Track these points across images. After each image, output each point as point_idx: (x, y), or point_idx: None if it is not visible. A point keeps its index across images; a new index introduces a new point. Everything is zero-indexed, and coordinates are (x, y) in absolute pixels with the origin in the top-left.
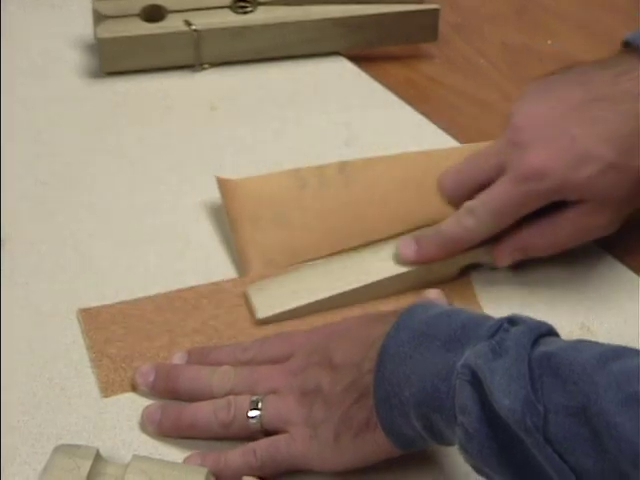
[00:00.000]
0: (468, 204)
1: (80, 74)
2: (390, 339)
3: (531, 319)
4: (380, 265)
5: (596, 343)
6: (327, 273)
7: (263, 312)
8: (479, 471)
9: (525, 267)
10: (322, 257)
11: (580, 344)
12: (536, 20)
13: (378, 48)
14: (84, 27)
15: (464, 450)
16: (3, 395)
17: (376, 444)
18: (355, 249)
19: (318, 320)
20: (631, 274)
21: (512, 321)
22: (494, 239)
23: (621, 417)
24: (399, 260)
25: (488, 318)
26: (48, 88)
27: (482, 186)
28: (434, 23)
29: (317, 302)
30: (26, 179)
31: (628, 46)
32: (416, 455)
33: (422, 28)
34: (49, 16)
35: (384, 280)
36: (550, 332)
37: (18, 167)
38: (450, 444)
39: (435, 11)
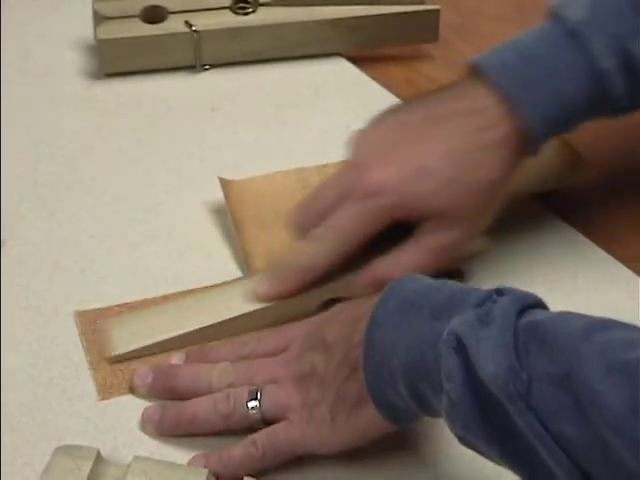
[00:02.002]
0: (313, 232)
1: (80, 75)
2: (379, 309)
3: (519, 290)
4: (240, 300)
5: (583, 315)
6: (187, 309)
7: (120, 348)
8: (464, 441)
9: (525, 267)
10: (176, 292)
11: (567, 314)
12: (536, 20)
13: (378, 49)
14: (84, 28)
15: (449, 418)
16: (3, 396)
17: (370, 419)
18: (217, 285)
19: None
20: (631, 274)
21: (500, 291)
22: (350, 272)
23: (603, 385)
24: (257, 297)
25: (476, 289)
26: (48, 89)
27: (327, 214)
28: (434, 24)
29: (173, 338)
30: (26, 179)
31: (472, 68)
32: (417, 454)
33: (422, 29)
34: (49, 17)
35: (243, 316)
36: (538, 304)
37: (18, 167)
38: (438, 415)
39: (435, 12)
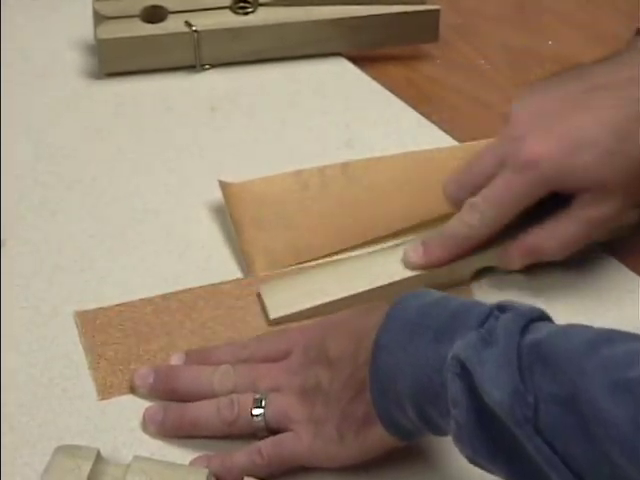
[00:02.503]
0: (470, 201)
1: (80, 75)
2: (383, 330)
3: (521, 304)
4: (392, 268)
5: (586, 327)
6: (339, 275)
7: (276, 312)
8: (473, 462)
9: (525, 269)
10: (330, 258)
11: (571, 329)
12: (537, 21)
13: (379, 49)
14: (84, 28)
15: (457, 442)
16: (3, 396)
17: (378, 437)
18: (366, 252)
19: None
20: (632, 275)
21: (502, 307)
22: (504, 242)
23: (608, 403)
24: (407, 265)
25: (478, 305)
26: (48, 89)
27: (484, 185)
28: (435, 24)
29: (329, 303)
30: (26, 180)
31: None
32: (419, 454)
33: (422, 29)
34: (49, 17)
35: (395, 283)
36: (541, 317)
37: (18, 167)
38: (446, 435)
39: (436, 12)
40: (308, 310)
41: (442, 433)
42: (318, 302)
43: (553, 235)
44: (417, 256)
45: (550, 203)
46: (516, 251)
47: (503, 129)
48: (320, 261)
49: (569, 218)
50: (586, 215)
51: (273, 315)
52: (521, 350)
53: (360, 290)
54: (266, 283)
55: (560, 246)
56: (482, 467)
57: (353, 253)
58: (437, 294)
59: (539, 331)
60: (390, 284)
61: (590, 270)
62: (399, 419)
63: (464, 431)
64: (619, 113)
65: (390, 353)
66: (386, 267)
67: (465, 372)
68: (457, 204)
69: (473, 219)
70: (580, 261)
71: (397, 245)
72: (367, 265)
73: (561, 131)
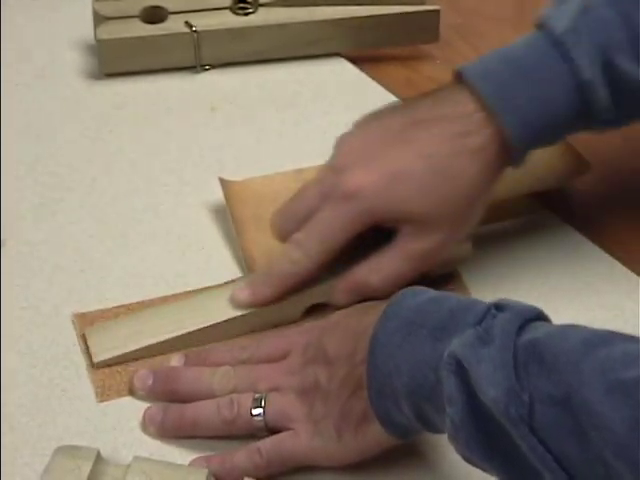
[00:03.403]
0: (294, 236)
1: (80, 75)
2: (379, 328)
3: (519, 303)
4: (220, 307)
5: (584, 328)
6: (166, 315)
7: (100, 356)
8: (468, 460)
9: (525, 268)
10: (161, 297)
11: (567, 329)
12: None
13: (379, 49)
14: (84, 28)
15: (452, 440)
16: (3, 396)
17: (376, 435)
18: (199, 291)
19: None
20: (631, 274)
21: (499, 306)
22: (333, 278)
23: (603, 406)
24: (235, 304)
25: (476, 303)
26: (48, 89)
27: (308, 218)
28: (435, 24)
29: (155, 345)
30: (26, 180)
31: (457, 75)
32: (417, 454)
33: (423, 29)
34: (49, 17)
35: (225, 322)
36: (539, 316)
37: (18, 168)
38: (442, 432)
39: (436, 12)
40: (133, 352)
41: (438, 431)
42: (143, 344)
43: (377, 270)
44: (244, 295)
45: (378, 239)
46: (342, 287)
47: (326, 162)
48: (152, 299)
49: (392, 252)
50: (409, 249)
51: (97, 359)
52: (517, 349)
53: (187, 331)
54: (92, 326)
55: (384, 281)
56: (477, 465)
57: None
58: (434, 292)
59: (536, 331)
60: (218, 323)
61: (590, 270)
62: (396, 417)
63: (459, 429)
64: (435, 147)
65: (387, 351)
66: (215, 306)
67: (461, 370)
68: (284, 237)
69: (297, 255)
70: (580, 262)
71: (228, 283)
72: (195, 305)
73: (381, 164)
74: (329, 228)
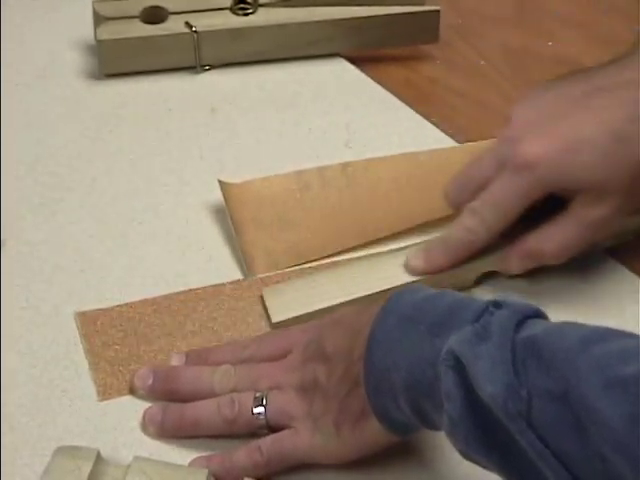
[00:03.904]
0: (470, 205)
1: (80, 76)
2: (378, 324)
3: (517, 301)
4: (393, 273)
5: (581, 325)
6: (340, 279)
7: (278, 316)
8: (466, 456)
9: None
10: (331, 259)
11: (565, 326)
12: (537, 21)
13: (379, 49)
14: (84, 28)
15: (450, 436)
16: (3, 396)
17: (374, 432)
18: (367, 254)
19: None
20: (632, 276)
21: (498, 304)
22: (505, 246)
23: (601, 402)
24: (409, 271)
25: (474, 301)
26: (48, 89)
27: (483, 187)
28: (435, 24)
29: (331, 308)
30: (26, 180)
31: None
32: (417, 452)
33: (423, 29)
34: (49, 17)
35: (397, 288)
36: (537, 314)
37: (18, 168)
38: (440, 429)
39: (436, 12)
40: (309, 314)
41: (436, 427)
42: (320, 306)
43: (552, 238)
44: (419, 262)
45: (551, 206)
46: (516, 255)
47: (502, 131)
48: (322, 263)
49: (567, 220)
50: (584, 217)
51: (275, 319)
52: (515, 346)
53: (362, 294)
54: (268, 286)
55: (559, 249)
56: (475, 462)
57: (354, 255)
58: (432, 290)
59: (534, 327)
60: (392, 289)
61: (590, 271)
62: (393, 413)
63: (457, 425)
64: (618, 114)
65: (385, 347)
66: (388, 272)
67: (459, 366)
68: (458, 208)
69: (473, 223)
70: (580, 262)
71: (399, 249)
72: (369, 270)
73: (559, 131)
74: (505, 198)
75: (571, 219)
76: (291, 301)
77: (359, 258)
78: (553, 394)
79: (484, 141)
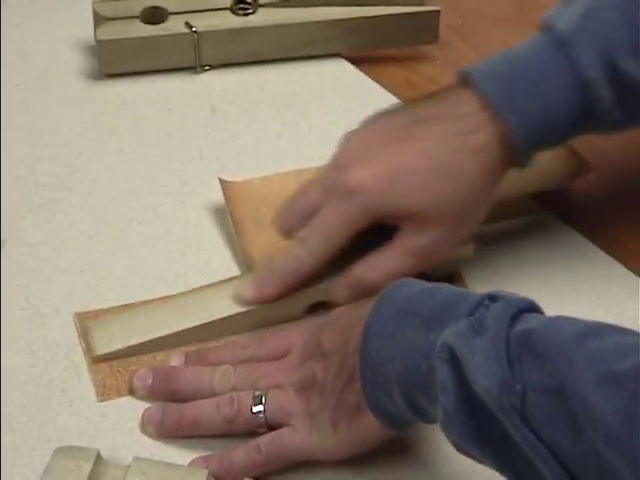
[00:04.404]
0: (297, 234)
1: (80, 75)
2: (373, 317)
3: (512, 294)
4: (222, 303)
5: (577, 319)
6: (169, 310)
7: (101, 349)
8: (461, 450)
9: (524, 268)
10: (162, 296)
11: (560, 320)
12: (536, 21)
13: (378, 50)
14: (84, 29)
15: (444, 429)
16: (3, 396)
17: (370, 426)
18: (205, 286)
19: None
20: (631, 275)
21: (493, 297)
22: (336, 275)
23: (595, 397)
24: (238, 300)
25: (469, 294)
26: (48, 90)
27: (311, 215)
28: (434, 25)
29: (157, 339)
30: (26, 180)
31: (461, 76)
32: (416, 455)
33: (422, 30)
34: (49, 18)
35: (225, 318)
36: (532, 307)
37: (18, 168)
38: (434, 422)
39: (435, 13)
40: (134, 347)
41: (431, 420)
42: (145, 339)
43: (375, 266)
44: (248, 291)
45: (382, 237)
46: (341, 283)
47: (330, 159)
48: (153, 299)
49: (391, 249)
50: (407, 245)
51: (99, 352)
52: (510, 339)
53: (187, 327)
54: (94, 320)
55: (382, 277)
56: (469, 455)
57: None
58: (428, 283)
59: (529, 321)
60: (220, 320)
61: (590, 270)
62: (388, 407)
63: (451, 418)
64: (439, 145)
65: (379, 340)
66: (216, 302)
67: (454, 359)
68: (287, 235)
69: (300, 252)
70: (580, 262)
71: (229, 279)
72: (197, 301)
73: (382, 160)
74: (332, 225)
75: (395, 248)
76: (117, 333)
77: (191, 290)
78: (547, 388)
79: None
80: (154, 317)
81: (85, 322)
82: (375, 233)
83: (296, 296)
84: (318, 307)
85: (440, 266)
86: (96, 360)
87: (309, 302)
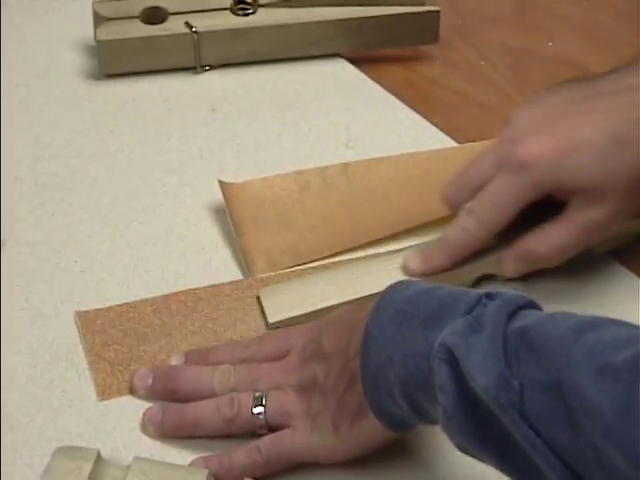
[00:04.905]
0: (467, 205)
1: (80, 75)
2: (373, 320)
3: (510, 292)
4: (391, 274)
5: (574, 314)
6: (338, 280)
7: (274, 316)
8: (462, 449)
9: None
10: (330, 260)
11: (557, 316)
12: (536, 22)
13: (379, 50)
14: (84, 29)
15: (445, 429)
16: (3, 396)
17: (372, 428)
18: (366, 254)
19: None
20: (631, 275)
21: (490, 295)
22: (503, 248)
23: (593, 390)
24: (407, 272)
25: (467, 293)
26: (48, 90)
27: (481, 187)
28: (435, 25)
29: (327, 308)
30: (26, 181)
31: None
32: (417, 457)
33: (422, 30)
34: (49, 18)
35: None
36: (529, 304)
37: (18, 169)
38: (436, 423)
39: (435, 13)
40: (306, 315)
41: (432, 421)
42: (316, 307)
43: (546, 240)
44: (417, 263)
45: (549, 209)
46: (511, 257)
47: (501, 132)
48: (319, 264)
49: (563, 223)
50: (580, 219)
51: (272, 319)
52: (507, 336)
53: (359, 296)
54: (265, 287)
55: (554, 251)
56: (471, 454)
57: (353, 255)
58: (426, 284)
59: (526, 318)
60: None
61: (590, 271)
62: (390, 408)
63: (451, 418)
64: (617, 117)
65: (380, 342)
66: (386, 273)
67: (452, 358)
68: (456, 208)
69: (470, 224)
70: (580, 262)
71: (397, 251)
72: (367, 271)
73: (557, 133)
74: (502, 198)
75: (567, 221)
76: (288, 302)
77: (357, 259)
78: (545, 384)
79: (484, 141)
80: (324, 286)
81: (85, 325)
82: (545, 205)
83: (464, 268)
84: (485, 280)
85: (610, 242)
86: (270, 327)
87: (477, 274)
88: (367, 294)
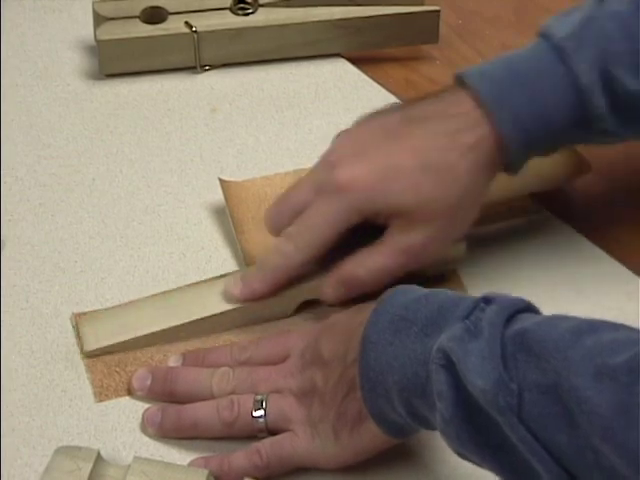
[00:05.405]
0: (285, 230)
1: (80, 76)
2: (370, 326)
3: (507, 296)
4: (211, 301)
5: (573, 317)
6: (159, 307)
7: (90, 345)
8: (461, 455)
9: (524, 268)
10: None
11: (555, 319)
12: (536, 22)
13: (379, 50)
14: (84, 29)
15: (443, 435)
16: (3, 396)
17: (372, 435)
18: (192, 284)
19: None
20: (631, 275)
21: (488, 299)
22: (325, 273)
23: (591, 391)
24: (227, 298)
25: (465, 298)
26: (48, 90)
27: (301, 212)
28: (435, 25)
29: (147, 336)
30: (26, 181)
31: (457, 78)
32: (416, 460)
33: (423, 30)
34: (49, 18)
35: (215, 315)
36: (527, 308)
37: (18, 169)
38: (435, 429)
39: (436, 13)
40: (124, 343)
41: (431, 427)
42: (135, 335)
43: (365, 264)
44: (237, 289)
45: (373, 234)
46: (331, 282)
47: (322, 156)
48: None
49: (381, 247)
50: (396, 244)
51: (88, 347)
52: (505, 340)
53: (176, 324)
54: (85, 314)
55: (372, 275)
56: (470, 460)
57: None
58: (424, 290)
59: (524, 321)
60: (210, 317)
61: (590, 270)
62: (389, 415)
63: (449, 423)
64: (427, 143)
65: (378, 349)
66: (208, 299)
67: (450, 364)
68: (277, 231)
69: (288, 248)
70: (580, 262)
71: (221, 276)
72: (188, 297)
73: (372, 158)
74: (320, 222)
75: (384, 246)
76: (106, 329)
77: (182, 287)
78: (543, 386)
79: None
80: (144, 313)
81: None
82: (366, 231)
83: (286, 294)
84: (309, 305)
85: (431, 265)
86: (87, 355)
87: (299, 300)
88: (185, 321)
